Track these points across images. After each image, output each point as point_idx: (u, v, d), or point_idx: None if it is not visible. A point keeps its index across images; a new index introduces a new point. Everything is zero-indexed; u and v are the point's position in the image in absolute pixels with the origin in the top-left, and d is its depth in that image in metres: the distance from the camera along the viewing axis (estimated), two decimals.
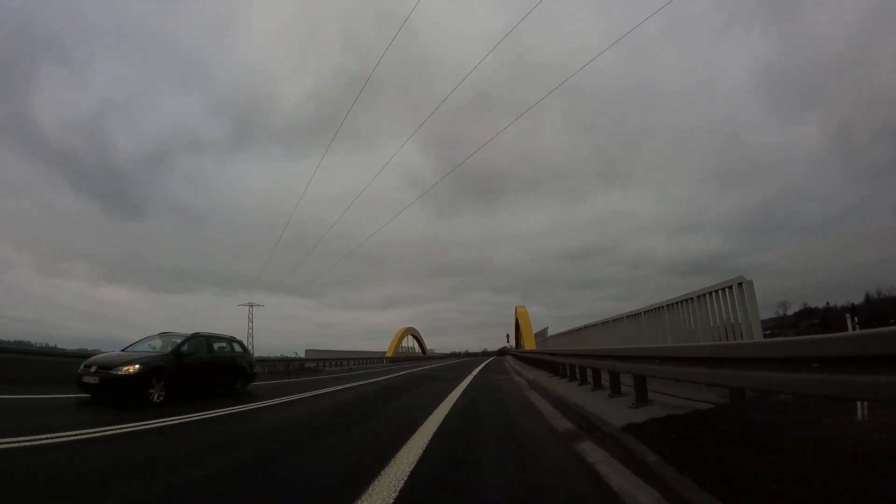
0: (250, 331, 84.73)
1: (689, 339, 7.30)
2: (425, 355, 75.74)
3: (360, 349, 49.50)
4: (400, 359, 53.17)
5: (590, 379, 8.81)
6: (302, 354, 34.46)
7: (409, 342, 71.00)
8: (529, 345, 33.37)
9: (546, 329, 32.64)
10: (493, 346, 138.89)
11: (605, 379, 8.07)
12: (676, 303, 7.90)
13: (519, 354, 33.55)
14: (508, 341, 77.02)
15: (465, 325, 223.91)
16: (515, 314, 51.25)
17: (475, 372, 20.17)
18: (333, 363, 34.10)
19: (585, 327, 14.14)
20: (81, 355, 17.43)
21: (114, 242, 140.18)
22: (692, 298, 7.26)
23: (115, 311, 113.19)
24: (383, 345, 72.19)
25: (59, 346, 22.81)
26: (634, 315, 9.94)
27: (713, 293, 6.67)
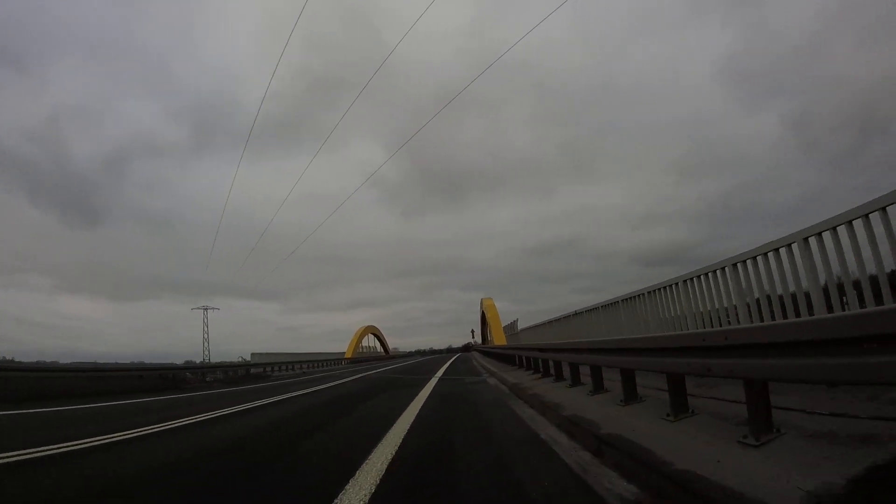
0: (205, 335, 79.20)
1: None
2: (388, 354, 72.21)
3: (323, 350, 45.82)
4: (360, 359, 49.63)
5: (608, 385, 5.98)
6: (249, 359, 30.62)
7: (371, 341, 67.35)
8: (499, 339, 30.67)
9: (516, 322, 30.09)
10: (459, 342, 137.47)
11: (641, 386, 5.27)
12: (763, 254, 5.08)
13: (487, 350, 30.87)
14: (473, 337, 74.73)
15: (432, 323, 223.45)
16: (481, 307, 48.67)
17: (440, 373, 17.22)
18: (285, 367, 30.37)
19: (577, 314, 11.42)
20: (38, 368, 14.64)
21: (72, 251, 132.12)
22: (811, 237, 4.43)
23: (75, 322, 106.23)
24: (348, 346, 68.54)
25: (16, 360, 20.07)
26: (664, 287, 7.21)
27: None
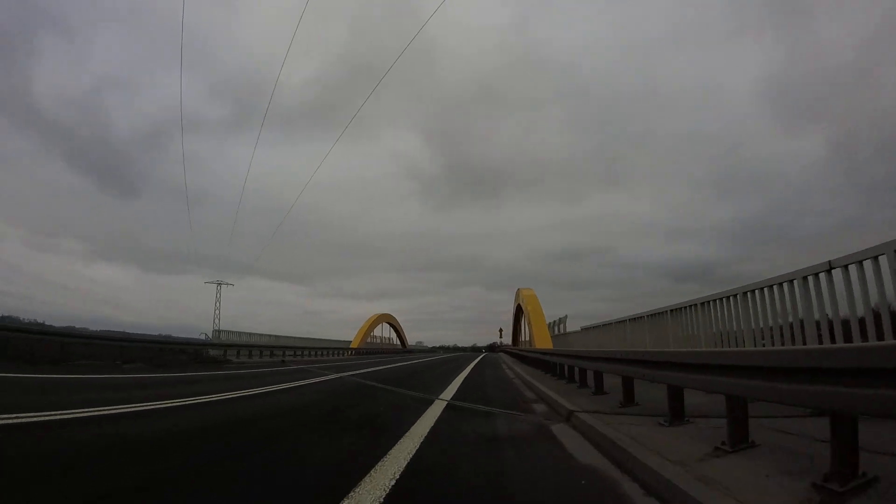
0: (217, 310, 75.95)
1: None
2: (405, 348, 65.47)
3: (335, 338, 39.96)
4: (369, 350, 43.26)
5: None
6: (224, 336, 24.62)
7: (386, 331, 60.82)
8: (542, 340, 22.98)
9: (563, 320, 22.89)
10: (483, 341, 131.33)
11: None
12: None
13: (522, 354, 23.68)
14: (501, 336, 67.67)
15: (455, 319, 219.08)
16: (517, 299, 40.60)
17: (453, 387, 10.40)
18: (260, 353, 24.23)
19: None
20: (68, 334, 14.76)
21: (108, 220, 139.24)
22: None
23: (105, 289, 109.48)
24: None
25: (47, 323, 19.97)
26: None
27: None
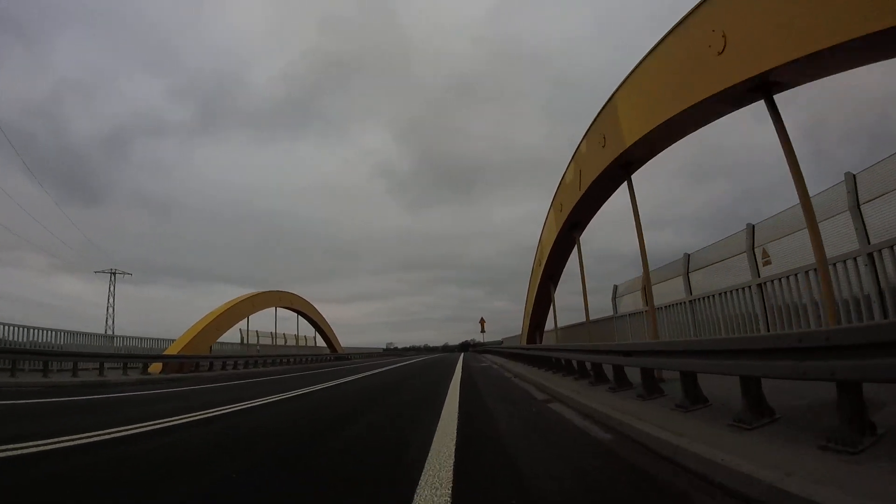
0: (110, 306, 56.14)
1: None
2: (335, 352, 43.65)
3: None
4: (247, 360, 23.16)
5: None
6: None
7: (303, 326, 37.92)
8: None
9: None
10: (455, 340, 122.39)
11: None
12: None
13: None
14: (483, 329, 48.35)
15: (431, 318, 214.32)
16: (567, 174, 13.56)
17: None
18: None
19: None
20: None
21: (69, 231, 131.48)
22: None
23: (68, 303, 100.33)
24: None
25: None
26: None
27: None
